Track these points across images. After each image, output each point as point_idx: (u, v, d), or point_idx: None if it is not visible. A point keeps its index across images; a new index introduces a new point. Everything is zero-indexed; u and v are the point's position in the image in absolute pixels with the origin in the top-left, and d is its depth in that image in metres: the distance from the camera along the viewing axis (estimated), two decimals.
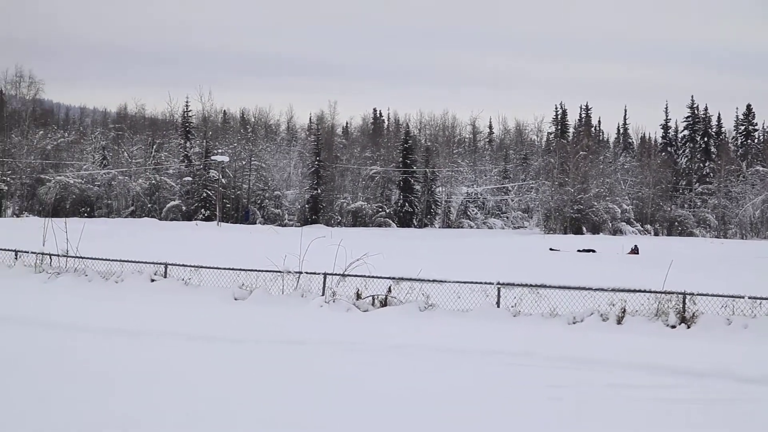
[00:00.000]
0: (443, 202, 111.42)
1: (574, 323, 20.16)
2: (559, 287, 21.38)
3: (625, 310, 20.23)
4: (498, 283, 21.76)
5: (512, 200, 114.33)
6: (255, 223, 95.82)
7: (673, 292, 20.18)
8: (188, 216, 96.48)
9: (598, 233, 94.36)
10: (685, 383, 13.69)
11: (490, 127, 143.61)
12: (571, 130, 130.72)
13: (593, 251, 53.22)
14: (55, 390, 11.89)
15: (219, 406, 11.29)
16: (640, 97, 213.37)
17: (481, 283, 21.89)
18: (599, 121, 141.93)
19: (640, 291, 20.50)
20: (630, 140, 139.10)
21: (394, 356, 15.49)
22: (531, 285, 21.59)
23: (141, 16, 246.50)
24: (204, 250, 36.07)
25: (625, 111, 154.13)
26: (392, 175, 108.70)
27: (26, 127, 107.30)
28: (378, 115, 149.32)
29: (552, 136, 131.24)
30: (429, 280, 22.38)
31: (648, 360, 15.25)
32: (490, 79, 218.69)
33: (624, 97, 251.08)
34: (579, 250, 53.64)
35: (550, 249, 54.53)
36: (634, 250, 52.99)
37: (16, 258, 27.92)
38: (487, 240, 69.16)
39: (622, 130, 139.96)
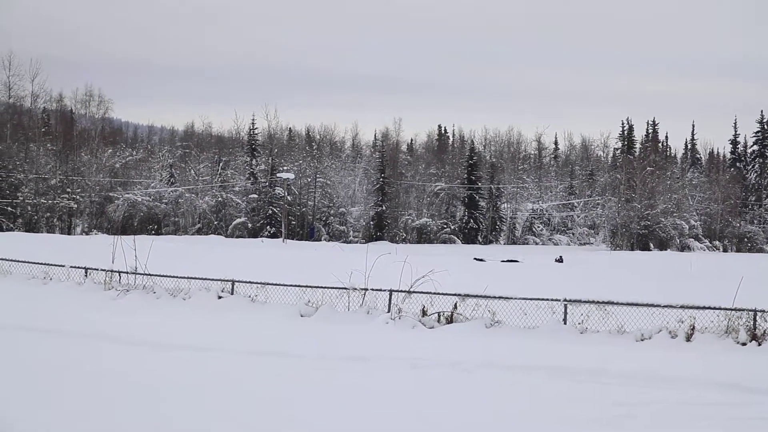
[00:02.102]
0: (508, 219, 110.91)
1: (642, 340, 19.90)
2: (627, 304, 21.07)
3: (694, 327, 19.92)
4: (565, 300, 21.55)
5: (578, 216, 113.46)
6: (320, 240, 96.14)
7: (743, 309, 19.83)
8: (254, 233, 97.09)
9: (666, 249, 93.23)
10: (758, 401, 13.46)
11: (556, 142, 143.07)
12: (638, 145, 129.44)
13: (517, 261, 55.32)
14: (126, 405, 11.99)
15: (288, 422, 11.31)
16: (708, 112, 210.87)
17: (547, 299, 21.70)
18: (666, 137, 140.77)
19: (709, 308, 20.17)
20: (698, 156, 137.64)
21: (459, 373, 15.42)
22: (598, 302, 21.33)
23: (208, 36, 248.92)
24: (270, 267, 36.22)
25: (693, 126, 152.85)
26: (457, 192, 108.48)
27: (95, 145, 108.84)
28: (443, 132, 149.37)
29: (618, 151, 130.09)
30: (495, 297, 22.22)
31: (719, 378, 15.02)
32: (555, 95, 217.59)
33: (692, 113, 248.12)
34: (503, 261, 55.22)
35: (475, 259, 56.19)
36: (559, 260, 56.26)
37: (86, 275, 28.23)
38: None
39: (689, 146, 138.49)
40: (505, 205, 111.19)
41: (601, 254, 75.11)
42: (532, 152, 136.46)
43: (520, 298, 21.94)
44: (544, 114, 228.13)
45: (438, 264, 27.30)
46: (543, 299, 21.70)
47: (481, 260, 54.91)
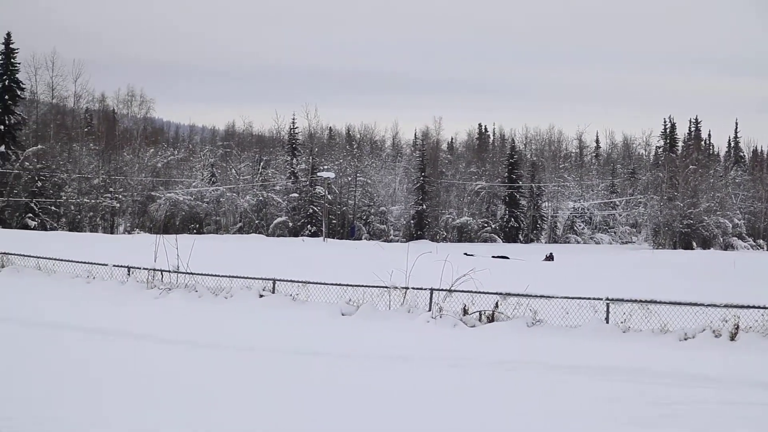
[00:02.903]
0: (549, 217, 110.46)
1: (685, 339, 19.73)
2: (670, 303, 20.90)
3: (738, 327, 19.72)
4: (607, 299, 21.42)
5: (620, 215, 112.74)
6: (360, 239, 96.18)
7: None
8: (295, 232, 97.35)
9: (709, 248, 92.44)
10: None
11: (597, 141, 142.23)
12: (680, 144, 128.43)
13: (507, 257, 56.25)
14: (174, 405, 12.05)
15: (333, 420, 11.32)
16: (752, 110, 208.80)
17: (589, 298, 21.60)
18: (709, 135, 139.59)
19: (754, 307, 19.96)
20: (741, 154, 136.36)
21: (501, 372, 15.38)
22: (640, 300, 21.18)
23: (249, 36, 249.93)
24: (310, 265, 36.29)
25: (736, 124, 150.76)
26: (498, 191, 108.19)
27: (137, 145, 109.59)
28: (483, 131, 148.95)
29: (660, 150, 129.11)
30: (536, 296, 22.12)
31: (764, 378, 14.88)
32: (596, 93, 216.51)
33: (735, 111, 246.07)
34: (493, 257, 56.07)
35: (465, 254, 56.94)
36: (549, 257, 57.35)
37: (129, 274, 28.43)
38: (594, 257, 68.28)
39: (733, 144, 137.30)
40: (546, 203, 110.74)
41: (591, 252, 74.71)
42: (573, 150, 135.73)
43: (561, 297, 21.84)
44: (585, 112, 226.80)
45: (479, 263, 27.24)
46: (585, 298, 21.60)
47: (470, 255, 55.71)
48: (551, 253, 60.28)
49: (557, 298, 21.86)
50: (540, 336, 20.32)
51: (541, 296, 22.06)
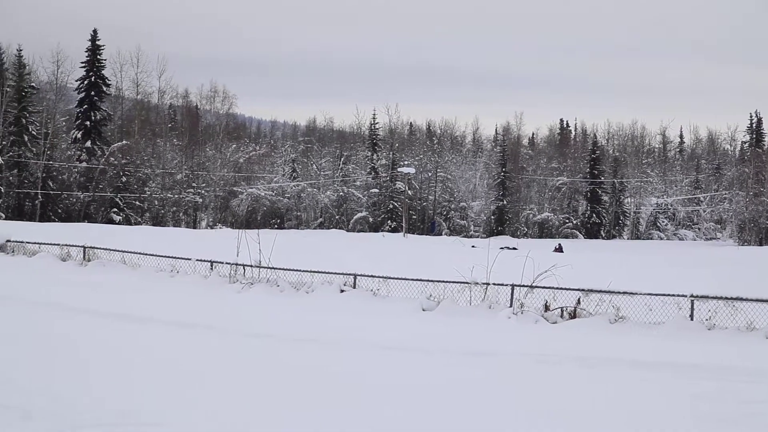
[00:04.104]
0: (632, 213, 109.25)
1: None
2: (757, 300, 20.53)
3: None
4: (691, 296, 21.11)
5: (704, 211, 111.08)
6: (441, 235, 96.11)
7: None
8: (375, 227, 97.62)
9: None
10: None
11: (681, 136, 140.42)
12: (767, 138, 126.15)
13: (515, 248, 57.58)
14: (254, 399, 12.14)
15: (416, 417, 11.31)
16: None
17: (673, 295, 21.31)
18: None
19: None
20: None
21: (584, 369, 15.22)
22: (726, 297, 20.84)
23: (330, 34, 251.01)
24: (391, 261, 36.33)
25: None
26: (579, 186, 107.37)
27: (220, 140, 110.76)
28: (565, 126, 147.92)
29: (746, 145, 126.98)
30: (619, 292, 21.87)
31: None
32: (681, 88, 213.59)
33: None
34: (501, 248, 56.19)
35: (473, 246, 59.71)
36: (559, 249, 59.34)
37: (211, 269, 28.74)
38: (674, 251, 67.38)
39: None
40: (629, 199, 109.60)
41: (738, 250, 73.29)
42: (657, 146, 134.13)
43: (644, 294, 21.58)
44: (669, 107, 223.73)
45: (560, 259, 27.04)
46: (669, 295, 21.32)
47: (476, 247, 58.03)
48: (560, 244, 63.03)
49: (640, 294, 21.60)
50: (623, 333, 20.11)
51: (624, 293, 21.81)
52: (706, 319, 20.69)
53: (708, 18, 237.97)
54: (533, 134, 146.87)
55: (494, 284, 23.58)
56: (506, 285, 23.24)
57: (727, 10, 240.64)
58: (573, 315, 21.96)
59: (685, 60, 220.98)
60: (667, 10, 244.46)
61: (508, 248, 57.50)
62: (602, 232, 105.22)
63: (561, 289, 22.55)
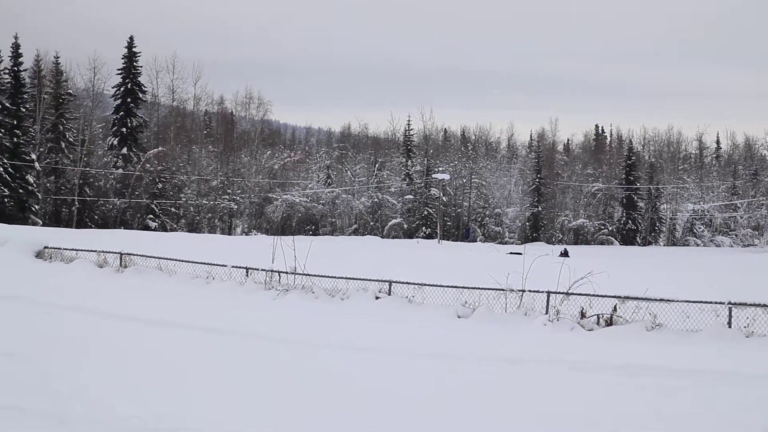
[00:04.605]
0: (668, 220, 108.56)
1: None
2: None
3: None
4: (729, 303, 20.93)
5: (741, 217, 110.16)
6: (475, 241, 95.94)
7: None
8: (409, 234, 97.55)
9: None
10: None
11: (718, 142, 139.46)
12: None
13: (520, 253, 58.08)
14: (290, 405, 12.17)
15: (447, 424, 11.29)
16: None
17: (711, 302, 21.12)
18: None
19: None
20: None
21: (621, 377, 15.14)
22: (764, 305, 20.64)
23: (367, 37, 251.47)
24: (425, 267, 36.26)
25: None
26: (615, 192, 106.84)
27: (255, 147, 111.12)
28: (600, 131, 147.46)
29: None
30: (655, 299, 21.72)
31: None
32: (717, 93, 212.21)
33: None
34: (509, 253, 59.59)
35: (511, 253, 60.76)
36: (564, 254, 60.61)
37: (247, 275, 28.79)
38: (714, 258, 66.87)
39: None
40: (665, 205, 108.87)
41: (711, 255, 72.65)
42: (693, 152, 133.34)
43: (681, 301, 21.41)
44: (705, 113, 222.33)
45: (596, 266, 26.90)
46: (706, 302, 21.13)
47: (511, 253, 59.48)
48: (565, 249, 64.53)
49: (677, 301, 21.43)
50: (660, 340, 19.98)
51: (661, 300, 21.66)
52: (745, 327, 20.52)
53: (747, 21, 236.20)
54: (568, 140, 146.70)
55: (530, 291, 23.49)
56: (542, 292, 23.13)
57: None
58: (609, 322, 21.83)
59: (723, 65, 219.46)
60: (705, 11, 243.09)
61: (513, 253, 59.17)
62: (638, 239, 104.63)
63: (597, 296, 22.42)
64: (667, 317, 21.36)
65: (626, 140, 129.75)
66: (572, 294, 22.92)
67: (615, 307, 22.05)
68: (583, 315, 22.21)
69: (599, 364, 16.24)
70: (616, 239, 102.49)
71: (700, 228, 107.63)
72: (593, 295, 22.44)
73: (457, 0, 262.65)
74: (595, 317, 22.04)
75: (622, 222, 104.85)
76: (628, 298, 22.01)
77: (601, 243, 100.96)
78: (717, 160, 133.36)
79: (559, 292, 23.06)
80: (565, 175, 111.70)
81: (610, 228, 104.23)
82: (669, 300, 21.59)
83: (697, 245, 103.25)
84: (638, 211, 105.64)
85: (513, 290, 23.71)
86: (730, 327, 20.66)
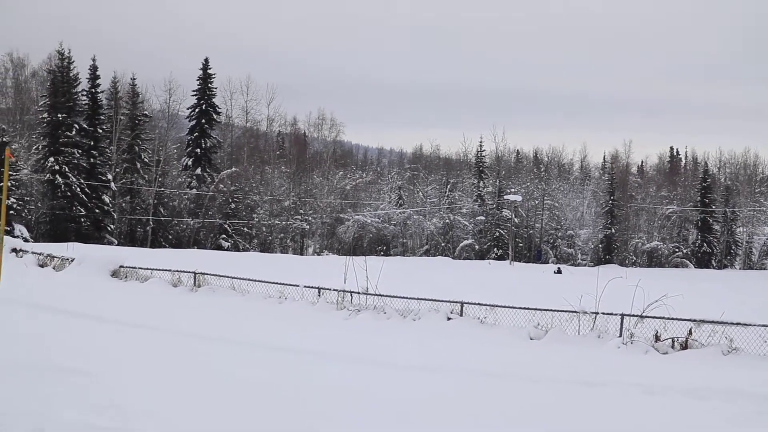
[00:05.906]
0: (744, 243, 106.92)
1: None
2: None
3: None
4: None
5: None
6: (547, 263, 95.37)
7: None
8: (481, 255, 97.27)
9: None
10: None
11: None
12: None
13: (560, 272, 65.78)
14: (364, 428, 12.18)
15: None
16: None
17: None
18: None
19: None
20: None
21: (696, 401, 14.91)
22: None
23: (440, 59, 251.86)
24: (497, 289, 36.12)
25: None
26: (689, 215, 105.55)
27: (327, 167, 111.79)
28: (675, 154, 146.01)
29: None
30: (732, 323, 21.38)
31: None
32: None
33: None
34: (555, 272, 65.92)
35: (555, 272, 66.55)
36: (558, 272, 66.70)
37: (319, 295, 28.88)
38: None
39: None
40: (741, 228, 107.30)
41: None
42: None
43: (759, 325, 21.06)
44: None
45: (671, 288, 26.57)
46: None
47: (556, 272, 65.52)
48: (559, 268, 70.94)
49: (755, 326, 21.08)
50: (737, 364, 19.64)
51: (738, 324, 21.31)
52: None
53: None
54: (642, 162, 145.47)
55: (603, 313, 23.27)
56: (616, 314, 22.91)
57: None
58: (684, 346, 21.54)
59: None
60: None
61: (555, 272, 64.73)
62: (713, 262, 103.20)
63: (672, 319, 22.13)
64: (744, 341, 21.02)
65: (702, 162, 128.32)
66: (646, 317, 22.65)
67: (690, 330, 21.74)
68: (657, 338, 21.94)
69: (674, 388, 16.00)
70: (690, 262, 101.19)
71: None
72: (668, 318, 22.16)
73: (537, 21, 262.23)
74: (670, 340, 21.76)
75: (697, 245, 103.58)
76: (703, 321, 21.69)
77: (676, 266, 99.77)
78: None
79: (633, 315, 22.80)
80: (639, 197, 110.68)
81: (684, 251, 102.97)
82: (746, 324, 21.25)
83: None
84: (713, 234, 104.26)
85: (586, 312, 23.51)
86: None
